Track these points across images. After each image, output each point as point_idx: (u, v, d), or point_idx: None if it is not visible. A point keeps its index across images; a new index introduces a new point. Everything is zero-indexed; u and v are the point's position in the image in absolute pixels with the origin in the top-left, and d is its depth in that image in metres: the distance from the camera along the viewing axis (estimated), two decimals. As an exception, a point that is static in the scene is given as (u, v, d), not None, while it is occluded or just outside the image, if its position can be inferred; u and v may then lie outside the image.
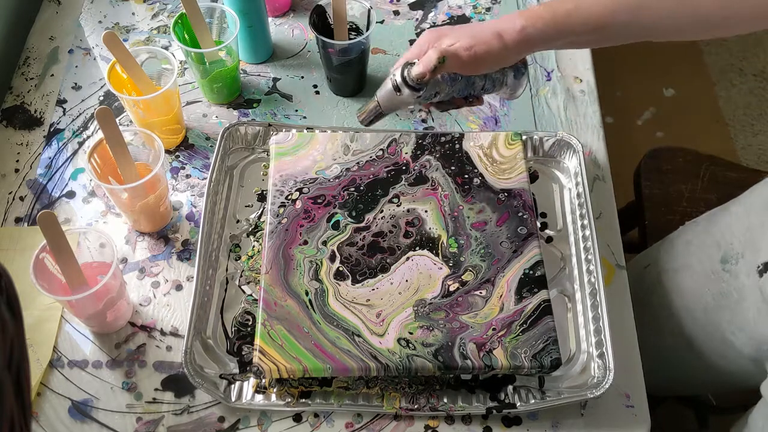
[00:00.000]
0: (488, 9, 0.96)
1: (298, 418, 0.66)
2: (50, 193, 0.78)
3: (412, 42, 0.91)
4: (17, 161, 0.80)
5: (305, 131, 0.79)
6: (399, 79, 0.62)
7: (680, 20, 0.59)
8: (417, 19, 0.95)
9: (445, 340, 0.65)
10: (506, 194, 0.74)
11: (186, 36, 0.80)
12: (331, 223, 0.72)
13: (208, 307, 0.70)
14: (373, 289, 0.68)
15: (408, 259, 0.70)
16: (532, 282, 0.69)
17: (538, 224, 0.76)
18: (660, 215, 1.05)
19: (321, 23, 0.81)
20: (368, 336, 0.65)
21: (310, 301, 0.67)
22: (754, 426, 0.74)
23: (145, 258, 0.74)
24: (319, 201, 0.73)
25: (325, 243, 0.70)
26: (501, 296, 0.68)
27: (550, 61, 0.91)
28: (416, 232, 0.71)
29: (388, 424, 0.66)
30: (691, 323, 0.81)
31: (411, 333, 0.65)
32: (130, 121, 0.82)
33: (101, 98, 0.86)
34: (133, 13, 0.94)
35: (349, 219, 0.72)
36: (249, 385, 0.66)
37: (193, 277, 0.71)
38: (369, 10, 0.81)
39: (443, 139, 0.77)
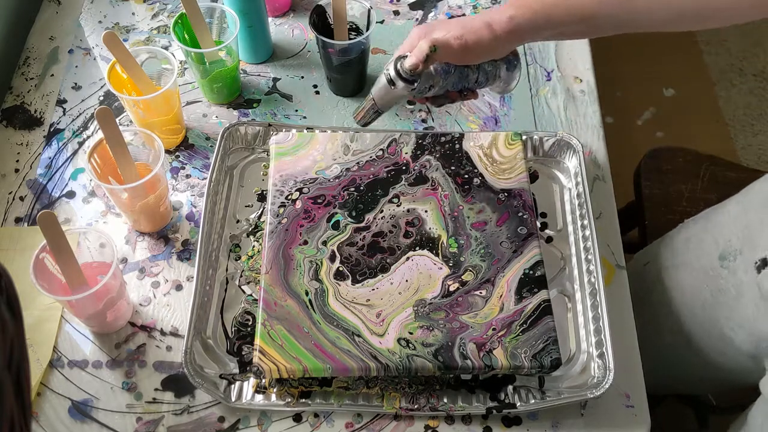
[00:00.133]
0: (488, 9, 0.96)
1: (298, 418, 0.66)
2: (50, 193, 0.78)
3: (412, 42, 0.91)
4: (17, 161, 0.80)
5: (305, 131, 0.79)
6: (392, 73, 0.63)
7: (668, 11, 0.59)
8: (417, 19, 0.95)
9: (445, 340, 0.65)
10: (506, 194, 0.74)
11: (186, 36, 0.80)
12: (331, 223, 0.72)
13: (208, 307, 0.70)
14: (373, 289, 0.68)
15: (408, 259, 0.70)
16: (532, 282, 0.69)
17: (538, 224, 0.76)
18: (660, 215, 1.05)
19: (321, 23, 0.81)
20: (368, 336, 0.65)
21: (310, 301, 0.67)
22: (753, 423, 0.74)
23: (145, 258, 0.74)
24: (319, 201, 0.73)
25: (325, 243, 0.70)
26: (501, 296, 0.68)
27: (550, 61, 0.91)
28: (416, 232, 0.71)
29: (388, 424, 0.66)
30: (690, 320, 0.81)
31: (411, 333, 0.65)
32: (130, 121, 0.82)
33: (101, 98, 0.86)
34: (133, 13, 0.94)
35: (349, 219, 0.72)
36: (249, 385, 0.66)
37: (193, 277, 0.71)
38: (369, 10, 0.81)
39: (443, 139, 0.77)
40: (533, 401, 0.66)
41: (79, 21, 0.93)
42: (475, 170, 0.76)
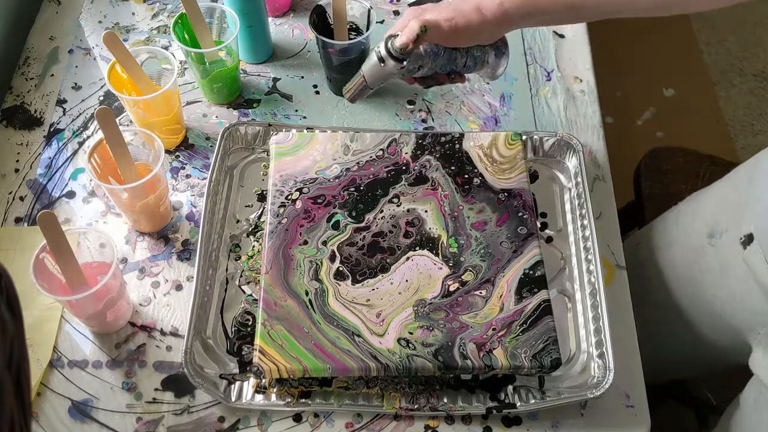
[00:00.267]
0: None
1: (298, 418, 0.66)
2: (50, 193, 0.78)
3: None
4: (17, 161, 0.80)
5: (305, 131, 0.79)
6: (383, 51, 0.64)
7: None
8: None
9: (445, 340, 0.65)
10: (506, 194, 0.74)
11: (186, 36, 0.80)
12: (331, 223, 0.72)
13: (208, 307, 0.70)
14: (373, 289, 0.68)
15: (408, 259, 0.70)
16: (532, 282, 0.69)
17: (538, 224, 0.76)
18: (660, 215, 1.04)
19: (321, 23, 0.81)
20: (368, 336, 0.65)
21: (310, 301, 0.67)
22: (744, 404, 0.75)
23: (145, 258, 0.74)
24: (319, 201, 0.73)
25: (325, 243, 0.70)
26: (501, 296, 0.68)
27: (550, 61, 0.91)
28: (416, 232, 0.71)
29: (388, 424, 0.66)
30: (679, 294, 0.83)
31: (411, 333, 0.65)
32: (130, 121, 0.82)
33: (101, 98, 0.86)
34: (133, 13, 0.94)
35: (349, 219, 0.72)
36: (249, 385, 0.66)
37: (193, 277, 0.71)
38: (369, 10, 0.81)
39: (443, 139, 0.77)
40: (533, 401, 0.66)
41: (79, 21, 0.93)
42: (475, 170, 0.76)
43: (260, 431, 0.65)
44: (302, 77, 0.88)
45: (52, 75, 0.87)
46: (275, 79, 0.88)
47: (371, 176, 0.75)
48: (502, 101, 0.87)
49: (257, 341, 0.64)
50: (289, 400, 0.66)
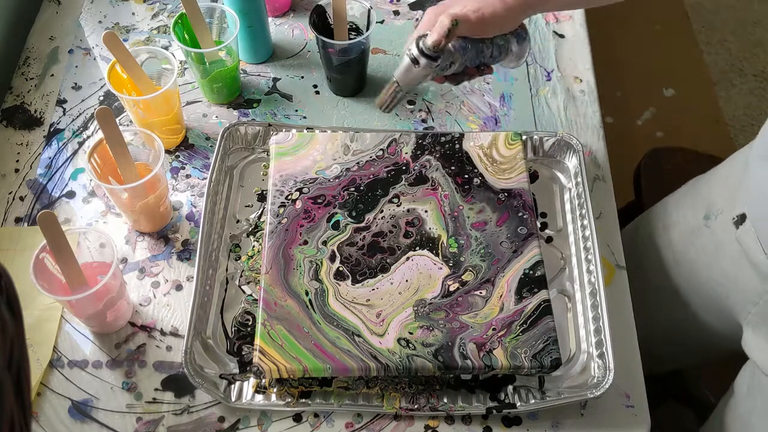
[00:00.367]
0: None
1: (298, 418, 0.66)
2: (50, 193, 0.78)
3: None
4: (17, 161, 0.80)
5: (305, 131, 0.79)
6: (416, 51, 0.63)
7: None
8: (417, 19, 0.95)
9: (445, 340, 0.65)
10: (506, 194, 0.74)
11: (186, 36, 0.80)
12: (331, 223, 0.72)
13: (208, 307, 0.70)
14: (373, 289, 0.68)
15: (408, 259, 0.70)
16: (532, 282, 0.69)
17: (538, 224, 0.76)
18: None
19: (321, 23, 0.81)
20: (368, 336, 0.65)
21: (310, 301, 0.67)
22: (738, 391, 0.76)
23: (145, 258, 0.74)
24: (319, 201, 0.73)
25: (325, 243, 0.70)
26: (501, 296, 0.68)
27: (550, 61, 0.91)
28: (416, 232, 0.71)
29: (388, 424, 0.66)
30: (676, 277, 0.84)
31: (411, 333, 0.65)
32: (130, 121, 0.82)
33: (101, 98, 0.86)
34: (133, 13, 0.94)
35: (349, 219, 0.72)
36: (249, 385, 0.66)
37: (193, 277, 0.71)
38: (369, 10, 0.81)
39: (443, 139, 0.77)
40: (533, 401, 0.66)
41: (79, 21, 0.93)
42: (475, 170, 0.76)
43: (260, 431, 0.65)
44: (302, 77, 0.88)
45: (52, 75, 0.87)
46: (275, 79, 0.88)
47: (371, 176, 0.75)
48: (502, 101, 0.87)
49: (257, 341, 0.64)
50: (289, 400, 0.66)
